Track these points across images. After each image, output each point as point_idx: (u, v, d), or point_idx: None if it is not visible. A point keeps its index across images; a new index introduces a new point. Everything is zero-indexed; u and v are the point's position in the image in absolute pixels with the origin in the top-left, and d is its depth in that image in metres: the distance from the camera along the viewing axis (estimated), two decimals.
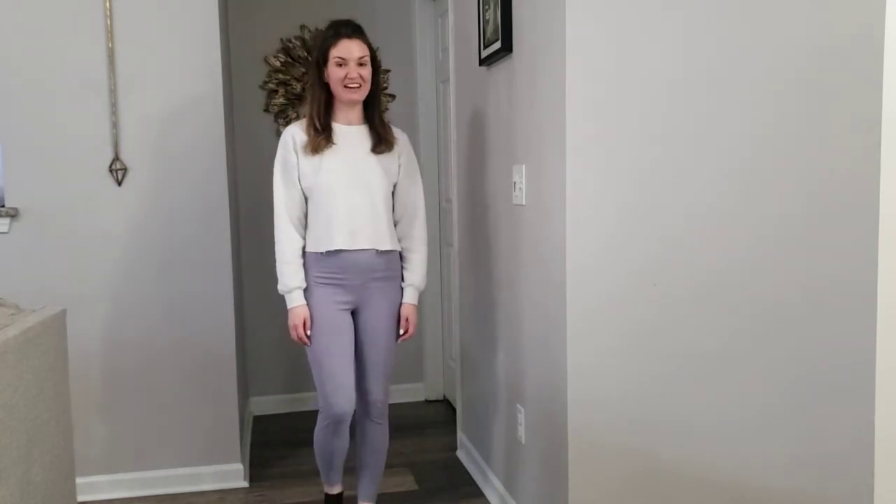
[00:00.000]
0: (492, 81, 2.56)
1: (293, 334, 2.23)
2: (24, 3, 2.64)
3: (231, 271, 2.87)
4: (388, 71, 3.76)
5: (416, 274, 2.33)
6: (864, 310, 1.44)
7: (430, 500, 2.77)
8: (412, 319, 2.33)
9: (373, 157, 2.23)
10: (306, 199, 2.24)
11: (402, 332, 2.33)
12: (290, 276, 2.22)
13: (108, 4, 2.68)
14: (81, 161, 2.72)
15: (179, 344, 2.82)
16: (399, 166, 2.29)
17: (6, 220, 2.68)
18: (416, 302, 2.35)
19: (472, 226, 2.89)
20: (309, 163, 2.20)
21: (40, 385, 1.81)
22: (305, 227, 2.26)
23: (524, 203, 2.28)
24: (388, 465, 2.99)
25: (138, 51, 2.71)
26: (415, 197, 2.33)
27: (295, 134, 2.24)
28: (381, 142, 2.24)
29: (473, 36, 2.72)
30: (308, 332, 2.23)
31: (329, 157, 2.19)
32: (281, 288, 2.24)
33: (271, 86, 3.67)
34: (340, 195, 2.19)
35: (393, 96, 3.78)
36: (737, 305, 1.77)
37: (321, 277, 2.23)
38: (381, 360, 2.29)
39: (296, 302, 2.22)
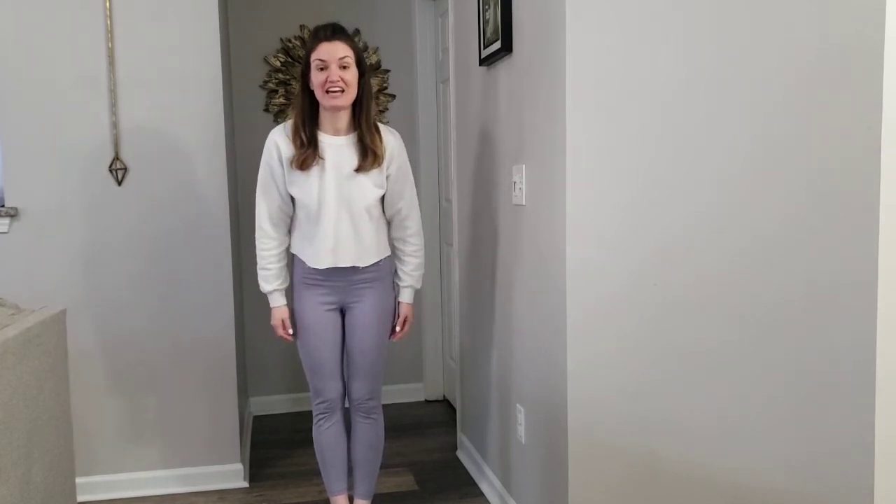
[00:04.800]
0: (492, 81, 2.56)
1: (275, 332, 2.33)
2: (25, 3, 2.64)
3: (231, 271, 2.87)
4: (388, 71, 3.76)
5: (411, 276, 2.36)
6: (864, 310, 1.44)
7: (430, 500, 2.77)
8: (409, 318, 2.38)
9: (360, 174, 2.17)
10: (292, 199, 2.23)
11: (397, 328, 2.36)
12: (267, 280, 2.28)
13: (108, 4, 2.68)
14: (81, 161, 2.72)
15: (179, 344, 2.82)
16: (387, 177, 2.23)
17: (6, 220, 2.68)
18: (411, 301, 2.38)
19: (472, 226, 2.89)
20: (295, 176, 2.17)
21: (40, 385, 1.81)
22: (291, 228, 2.29)
23: (524, 203, 2.28)
24: (388, 465, 3.00)
25: (138, 51, 2.71)
26: (408, 200, 2.30)
27: (279, 143, 2.20)
28: (368, 155, 2.16)
29: (473, 36, 2.72)
30: (290, 331, 2.31)
31: (315, 173, 2.16)
32: (261, 289, 2.31)
33: (271, 86, 3.67)
34: (324, 215, 2.16)
35: (393, 96, 3.78)
36: (737, 306, 1.77)
37: (307, 279, 2.25)
38: (366, 358, 2.29)
39: (275, 303, 2.29)
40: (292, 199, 2.23)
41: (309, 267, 2.23)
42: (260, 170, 2.25)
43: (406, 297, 2.36)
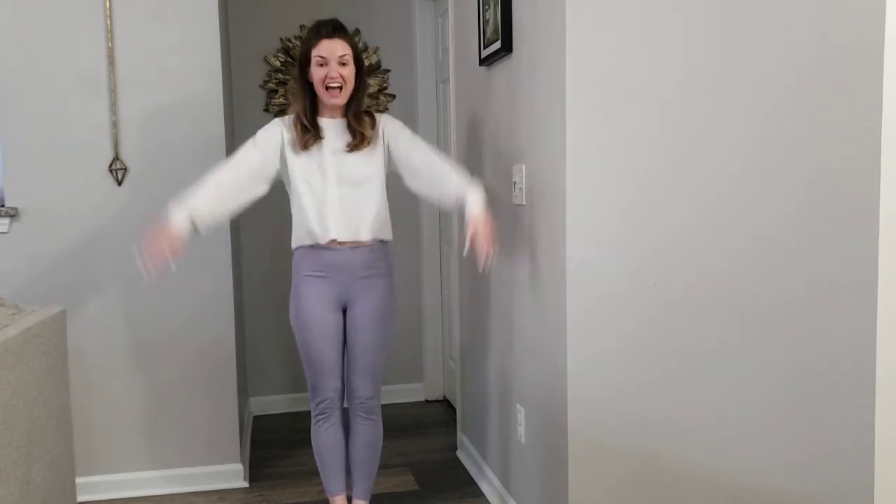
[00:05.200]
0: (492, 81, 2.56)
1: (150, 245, 2.05)
2: (25, 4, 2.64)
3: (231, 271, 2.87)
4: (388, 71, 3.76)
5: (462, 187, 2.18)
6: (864, 310, 1.44)
7: (430, 500, 2.77)
8: (482, 230, 2.08)
9: (354, 153, 2.23)
10: (287, 193, 2.27)
11: (470, 244, 2.08)
12: (190, 196, 2.13)
13: (108, 4, 2.67)
14: (81, 161, 2.72)
15: (179, 344, 2.82)
16: (388, 154, 2.27)
17: (6, 220, 2.68)
18: (479, 210, 2.11)
19: None
20: (299, 159, 2.22)
21: (40, 385, 1.81)
22: (293, 229, 2.29)
23: (524, 203, 2.28)
24: (388, 465, 3.00)
25: (138, 51, 2.71)
26: (425, 153, 2.27)
27: (283, 130, 2.26)
28: (356, 136, 2.23)
29: (473, 36, 2.72)
30: (169, 256, 2.08)
31: (315, 151, 2.22)
32: (170, 208, 2.11)
33: (271, 85, 3.67)
34: (328, 190, 2.20)
35: (393, 96, 3.78)
36: (737, 306, 1.77)
37: (310, 273, 2.25)
38: (366, 357, 2.29)
39: (174, 220, 2.09)
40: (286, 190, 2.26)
41: (313, 261, 2.24)
42: (255, 136, 2.25)
43: (471, 206, 2.12)
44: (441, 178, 2.24)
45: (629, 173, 1.94)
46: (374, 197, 2.26)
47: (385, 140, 2.28)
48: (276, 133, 2.26)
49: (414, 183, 2.29)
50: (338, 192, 2.21)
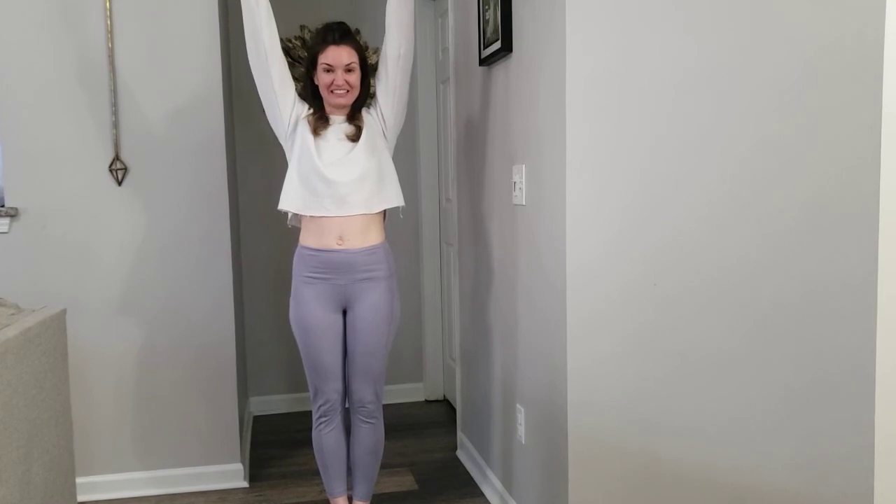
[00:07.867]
0: (492, 81, 2.56)
1: None
2: (24, 4, 2.64)
3: (231, 271, 2.87)
4: None
5: None
6: (864, 310, 1.44)
7: (430, 500, 2.77)
8: None
9: (357, 141, 2.25)
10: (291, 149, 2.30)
11: None
12: None
13: (108, 4, 2.68)
14: (81, 161, 2.72)
15: (179, 344, 2.82)
16: (380, 109, 2.31)
17: (6, 220, 2.68)
18: None
19: (472, 226, 2.89)
20: (306, 135, 2.24)
21: (40, 385, 1.81)
22: (289, 192, 2.29)
23: (524, 203, 2.28)
24: (389, 465, 3.00)
25: (138, 51, 2.72)
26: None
27: (304, 107, 2.33)
28: (355, 130, 2.26)
29: (473, 36, 2.72)
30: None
31: (321, 140, 2.24)
32: None
33: None
34: (331, 172, 2.20)
35: None
36: (737, 306, 1.77)
37: (309, 276, 2.25)
38: (368, 360, 2.29)
39: None
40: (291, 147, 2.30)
41: (313, 263, 2.24)
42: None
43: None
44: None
45: (629, 173, 1.94)
46: (381, 166, 2.26)
47: (374, 107, 2.31)
48: (298, 104, 2.33)
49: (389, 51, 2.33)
50: (339, 174, 2.20)
